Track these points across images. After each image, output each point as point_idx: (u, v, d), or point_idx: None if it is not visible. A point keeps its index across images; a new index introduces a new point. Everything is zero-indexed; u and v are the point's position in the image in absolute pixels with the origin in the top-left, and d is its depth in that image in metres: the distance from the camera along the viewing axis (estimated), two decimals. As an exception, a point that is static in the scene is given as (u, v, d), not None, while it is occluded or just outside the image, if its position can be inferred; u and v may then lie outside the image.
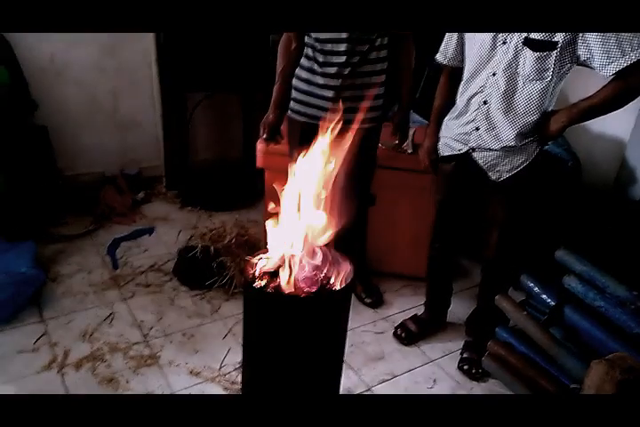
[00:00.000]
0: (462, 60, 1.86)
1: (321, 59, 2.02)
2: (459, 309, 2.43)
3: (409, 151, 2.40)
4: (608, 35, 1.49)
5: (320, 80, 2.04)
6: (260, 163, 2.60)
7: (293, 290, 1.46)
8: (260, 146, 2.44)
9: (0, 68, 2.55)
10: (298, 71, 2.13)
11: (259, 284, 1.45)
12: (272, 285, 1.47)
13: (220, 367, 2.05)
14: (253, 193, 3.41)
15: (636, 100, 1.59)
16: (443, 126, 1.97)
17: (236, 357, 2.07)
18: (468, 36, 1.80)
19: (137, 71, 3.27)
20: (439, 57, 1.96)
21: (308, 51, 2.06)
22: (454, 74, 1.93)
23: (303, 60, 2.10)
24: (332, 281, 1.50)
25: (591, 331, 1.71)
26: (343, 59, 1.98)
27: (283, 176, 2.34)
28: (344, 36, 1.95)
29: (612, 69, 1.52)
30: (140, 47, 3.19)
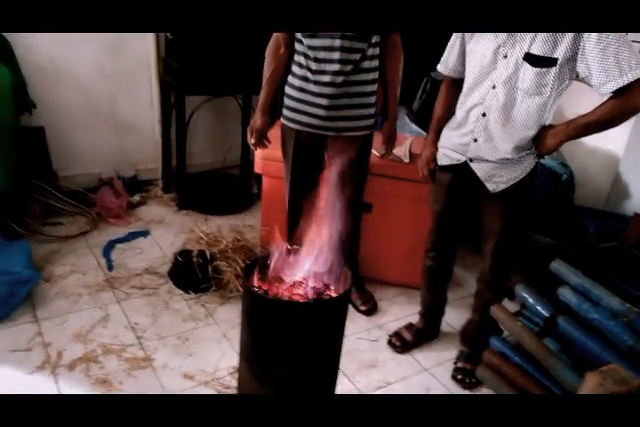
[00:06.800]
0: (463, 72, 1.88)
1: (314, 67, 2.03)
2: (453, 318, 2.45)
3: (406, 161, 2.43)
4: (607, 53, 1.51)
5: (314, 88, 2.06)
6: (257, 168, 2.62)
7: (292, 296, 1.48)
8: (258, 151, 2.46)
9: (1, 67, 2.54)
10: (290, 79, 2.14)
11: (257, 289, 1.46)
12: (271, 290, 1.48)
13: (214, 371, 2.05)
14: (250, 198, 3.42)
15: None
16: (442, 136, 1.99)
17: (231, 361, 2.07)
18: (469, 47, 1.82)
19: (136, 73, 3.27)
20: (440, 67, 1.98)
21: (301, 59, 2.07)
22: (455, 85, 1.95)
23: (296, 68, 2.11)
24: (329, 287, 1.52)
25: (585, 342, 1.73)
26: (336, 67, 2.00)
27: (280, 182, 2.37)
28: (337, 44, 1.96)
29: (609, 88, 1.54)
30: (140, 49, 3.19)
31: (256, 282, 1.50)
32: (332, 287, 1.52)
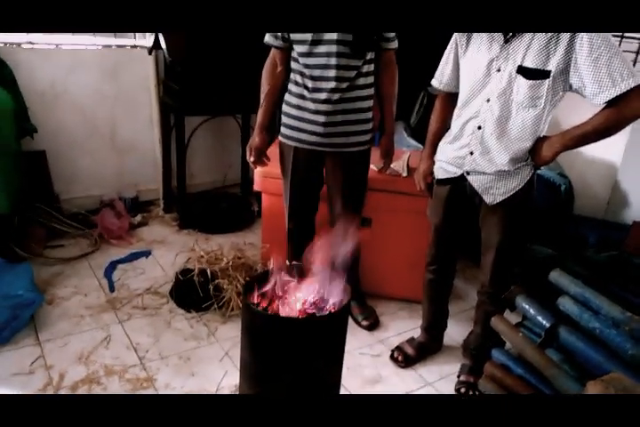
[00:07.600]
0: (457, 86, 1.91)
1: (310, 84, 2.06)
2: (455, 331, 2.44)
3: (403, 175, 2.45)
4: (599, 64, 1.53)
5: (311, 106, 2.08)
6: (257, 186, 2.64)
7: (291, 312, 1.48)
8: (257, 169, 2.48)
9: (3, 92, 2.58)
10: (287, 97, 2.17)
11: (257, 306, 1.47)
12: (270, 307, 1.49)
13: (217, 390, 2.04)
14: (250, 216, 3.44)
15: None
16: (438, 150, 2.01)
17: (233, 380, 2.06)
18: (463, 62, 1.85)
19: (136, 96, 3.32)
20: (435, 82, 2.01)
21: (297, 77, 2.10)
22: (450, 99, 1.97)
23: (292, 87, 2.14)
24: (329, 303, 1.52)
25: (587, 352, 1.71)
26: (332, 84, 2.02)
27: (280, 199, 2.39)
28: (333, 62, 1.99)
29: (603, 98, 1.55)
30: (139, 72, 3.24)
31: (256, 299, 1.50)
32: (331, 303, 1.53)
